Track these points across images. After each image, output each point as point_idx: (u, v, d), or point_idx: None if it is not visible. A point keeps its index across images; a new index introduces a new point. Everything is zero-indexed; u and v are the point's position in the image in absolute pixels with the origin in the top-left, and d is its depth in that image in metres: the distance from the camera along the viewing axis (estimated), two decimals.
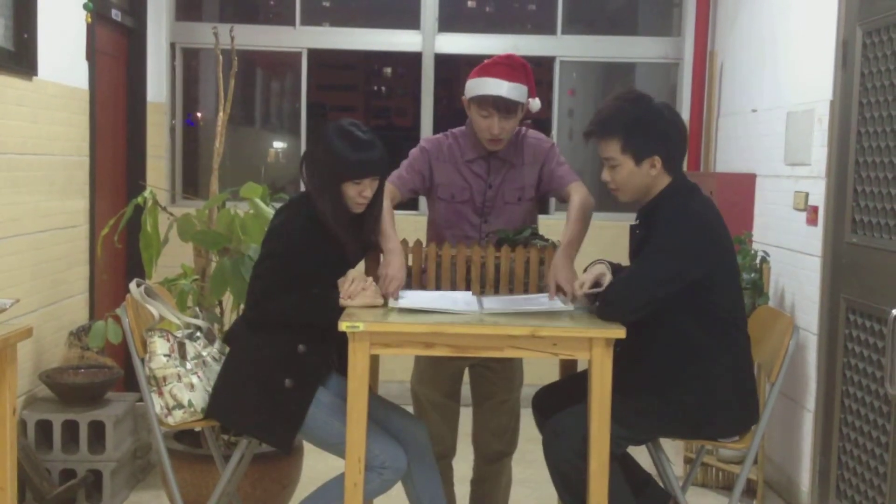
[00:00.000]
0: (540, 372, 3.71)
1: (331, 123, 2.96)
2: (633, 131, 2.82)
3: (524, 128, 3.40)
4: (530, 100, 3.26)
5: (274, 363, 2.93)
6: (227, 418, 3.03)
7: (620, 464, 2.93)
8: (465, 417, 3.54)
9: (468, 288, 3.13)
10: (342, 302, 2.86)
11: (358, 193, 2.92)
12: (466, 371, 3.48)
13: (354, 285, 2.89)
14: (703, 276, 2.79)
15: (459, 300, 2.93)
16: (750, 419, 2.94)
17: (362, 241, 3.07)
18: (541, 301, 2.93)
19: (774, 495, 4.54)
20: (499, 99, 3.16)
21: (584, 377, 2.87)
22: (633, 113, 2.84)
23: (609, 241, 4.02)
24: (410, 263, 3.16)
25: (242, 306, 3.31)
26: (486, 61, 3.26)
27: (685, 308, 2.81)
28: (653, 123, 2.84)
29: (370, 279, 2.95)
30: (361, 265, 3.12)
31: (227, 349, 3.12)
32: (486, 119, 3.20)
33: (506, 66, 3.20)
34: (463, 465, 3.61)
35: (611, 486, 2.74)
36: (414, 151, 3.40)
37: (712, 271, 2.81)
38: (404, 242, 3.11)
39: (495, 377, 3.43)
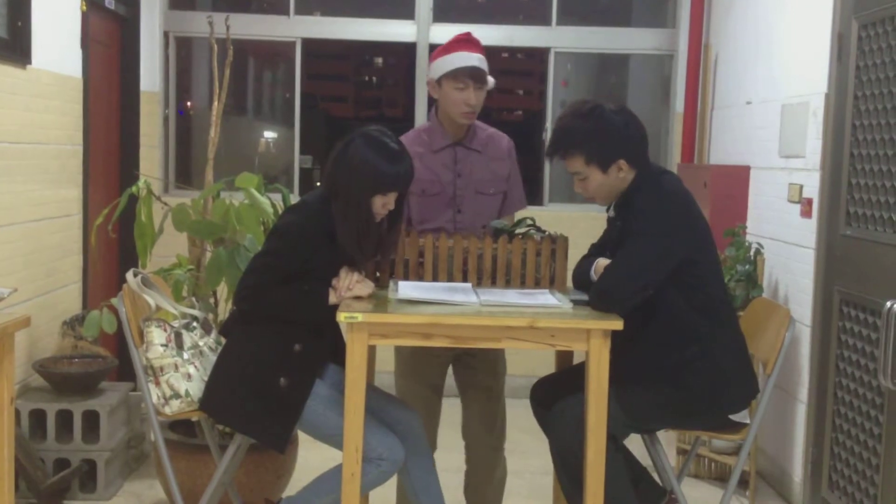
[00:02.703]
0: (533, 363, 3.72)
1: (360, 132, 2.93)
2: (593, 144, 2.88)
3: None
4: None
5: (269, 361, 2.91)
6: (221, 415, 3.02)
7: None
8: (455, 408, 3.54)
9: (465, 279, 3.13)
10: (340, 295, 2.86)
11: (382, 205, 2.91)
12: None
13: (349, 278, 2.89)
14: (689, 252, 2.84)
15: (458, 291, 2.94)
16: (752, 390, 2.98)
17: (371, 257, 3.04)
18: (537, 297, 2.93)
19: (767, 486, 4.56)
20: (474, 69, 3.28)
21: (582, 368, 2.88)
22: (589, 127, 2.89)
23: (584, 231, 4.05)
24: (407, 255, 3.16)
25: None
26: (447, 42, 3.37)
27: (676, 290, 2.85)
28: (610, 132, 2.89)
29: (360, 274, 2.94)
30: None
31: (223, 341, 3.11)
32: (462, 91, 3.29)
33: (469, 43, 3.35)
34: (456, 456, 3.61)
35: (612, 471, 2.77)
36: None
37: (696, 249, 2.87)
38: None
39: (477, 364, 3.43)
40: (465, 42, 3.33)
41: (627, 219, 2.89)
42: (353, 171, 2.86)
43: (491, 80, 3.37)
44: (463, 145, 3.39)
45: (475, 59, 3.29)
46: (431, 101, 3.47)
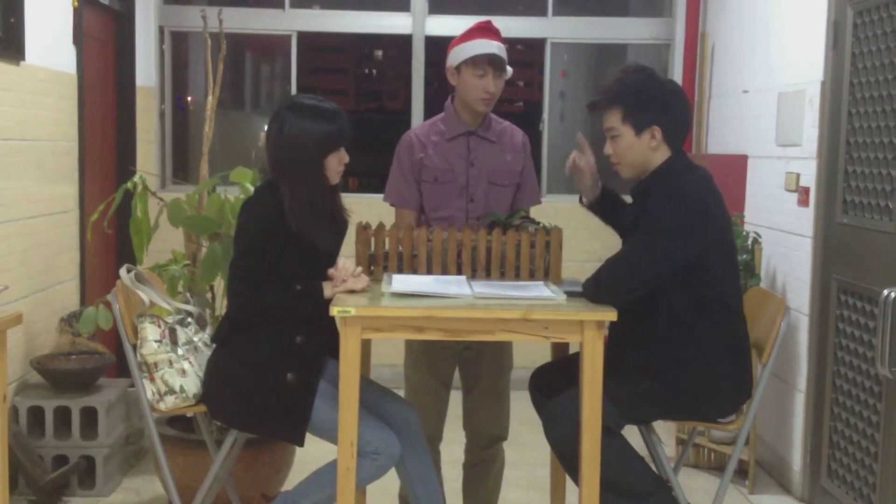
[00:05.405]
0: (532, 355, 3.71)
1: (286, 107, 2.91)
2: (633, 100, 2.86)
3: None
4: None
5: (273, 360, 2.90)
6: (236, 422, 3.01)
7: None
8: (454, 401, 3.53)
9: (459, 272, 3.12)
10: (336, 289, 2.85)
11: (339, 161, 2.93)
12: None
13: (345, 270, 2.88)
14: (695, 256, 2.79)
15: (451, 284, 2.93)
16: (744, 397, 2.96)
17: (333, 224, 3.03)
18: (531, 289, 2.92)
19: (766, 475, 4.55)
20: (493, 56, 3.28)
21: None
22: (634, 83, 2.88)
23: (581, 222, 4.06)
24: (401, 248, 3.15)
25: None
26: (466, 30, 3.36)
27: (679, 289, 2.82)
28: (653, 94, 2.88)
29: (358, 267, 2.94)
30: (349, 251, 3.10)
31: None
32: (481, 78, 3.29)
33: (488, 30, 3.35)
34: (455, 449, 3.61)
35: (611, 456, 2.76)
36: (397, 158, 3.44)
37: (705, 252, 2.81)
38: (368, 226, 3.14)
39: (486, 361, 3.43)
40: (485, 30, 3.33)
41: (643, 208, 2.87)
42: (296, 145, 2.86)
43: (509, 69, 3.37)
44: (477, 135, 3.40)
45: (494, 47, 3.29)
46: (448, 91, 3.46)
